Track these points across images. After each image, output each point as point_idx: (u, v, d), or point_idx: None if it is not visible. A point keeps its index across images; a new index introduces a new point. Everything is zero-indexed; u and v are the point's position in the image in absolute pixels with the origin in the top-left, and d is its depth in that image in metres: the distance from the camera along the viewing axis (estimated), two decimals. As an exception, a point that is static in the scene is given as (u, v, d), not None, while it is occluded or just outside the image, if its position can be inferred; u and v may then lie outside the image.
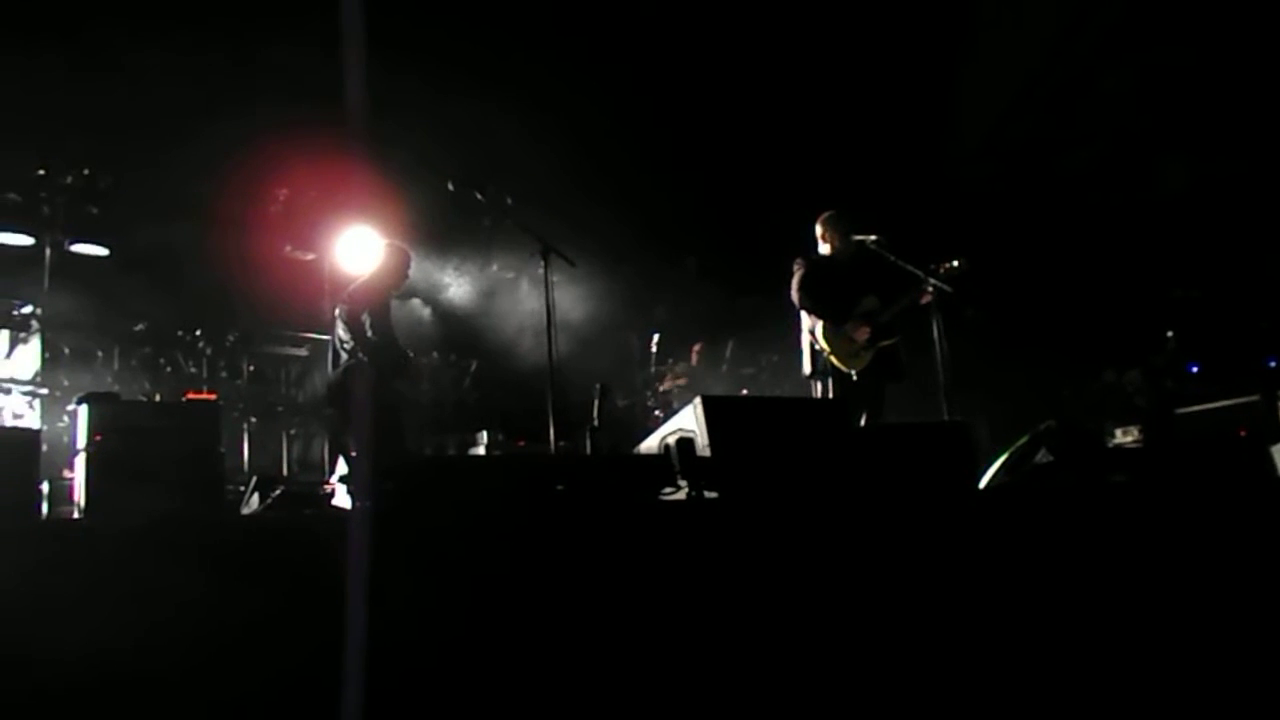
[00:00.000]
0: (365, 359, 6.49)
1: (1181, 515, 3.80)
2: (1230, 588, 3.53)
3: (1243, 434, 7.63)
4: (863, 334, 6.54)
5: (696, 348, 10.70)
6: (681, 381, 10.31)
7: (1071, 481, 4.34)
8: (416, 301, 10.35)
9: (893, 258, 6.60)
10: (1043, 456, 4.49)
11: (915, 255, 6.67)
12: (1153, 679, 3.25)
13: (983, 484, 4.51)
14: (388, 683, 2.53)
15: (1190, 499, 3.96)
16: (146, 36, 7.78)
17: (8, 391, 7.77)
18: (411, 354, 7.44)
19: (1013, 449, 4.71)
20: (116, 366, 8.55)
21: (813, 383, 6.76)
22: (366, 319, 6.65)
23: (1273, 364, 8.68)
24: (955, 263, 6.58)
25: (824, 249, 6.86)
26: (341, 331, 6.70)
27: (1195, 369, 8.73)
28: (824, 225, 6.86)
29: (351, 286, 7.07)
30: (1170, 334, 8.83)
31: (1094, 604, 3.36)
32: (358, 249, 8.60)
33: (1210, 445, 7.05)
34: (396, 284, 7.17)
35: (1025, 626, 3.28)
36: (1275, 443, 5.60)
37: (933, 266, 6.62)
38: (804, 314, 6.73)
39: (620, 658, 2.87)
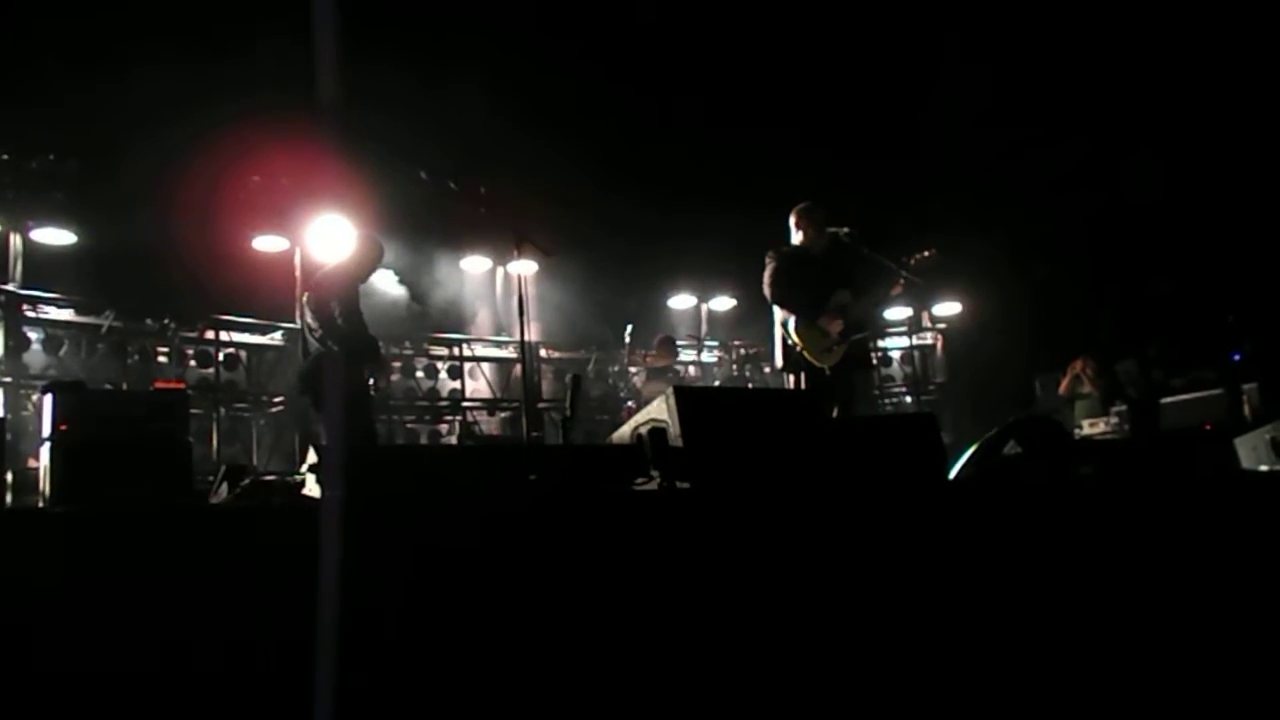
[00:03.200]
0: (335, 347, 6.43)
1: (1147, 507, 3.85)
2: (1195, 579, 3.58)
3: (1207, 427, 7.74)
4: (836, 327, 6.55)
5: (658, 339, 10.70)
6: (659, 365, 10.33)
7: (1039, 473, 4.39)
8: (390, 290, 10.29)
9: (866, 250, 6.63)
10: (1011, 448, 4.53)
11: (888, 246, 6.72)
12: (1121, 670, 3.29)
13: (951, 475, 4.54)
14: (359, 673, 2.52)
15: (1156, 491, 4.01)
16: (116, 22, 7.67)
17: (-28, 380, 7.69)
18: (380, 344, 7.38)
19: (981, 440, 4.75)
20: (83, 355, 8.47)
21: (785, 376, 6.77)
22: (336, 306, 6.58)
23: (1237, 358, 8.79)
24: (927, 253, 6.63)
25: (797, 240, 6.85)
26: (310, 319, 6.64)
27: (1239, 356, 8.75)
28: (798, 216, 6.84)
29: (319, 274, 7.02)
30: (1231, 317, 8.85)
31: (1061, 595, 3.40)
32: (329, 237, 8.55)
33: (1176, 438, 7.15)
34: (367, 272, 7.09)
35: (993, 617, 3.31)
36: (1239, 435, 5.69)
37: (905, 258, 6.66)
38: (776, 307, 6.72)
39: (591, 647, 2.87)
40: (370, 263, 7.01)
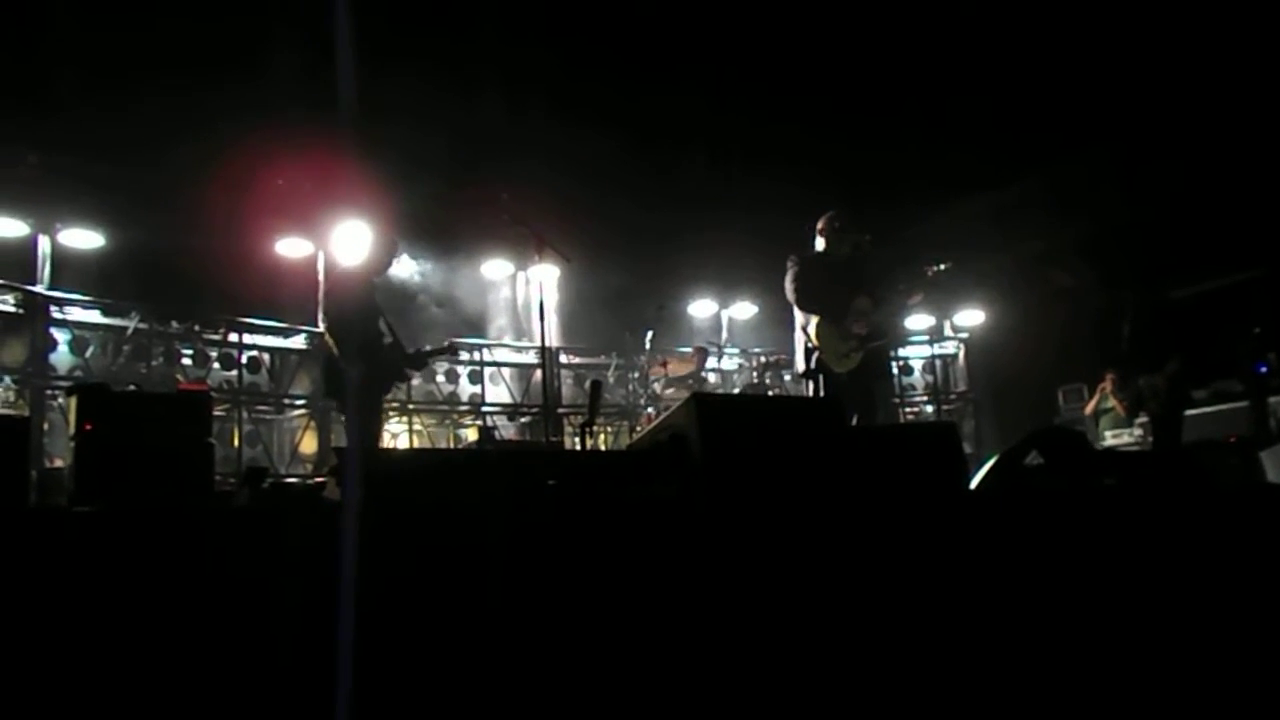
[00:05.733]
0: (351, 350, 6.35)
1: (1171, 519, 3.81)
2: (1220, 592, 3.55)
3: (1232, 439, 7.67)
4: (859, 329, 6.57)
5: (691, 349, 10.72)
6: (679, 372, 10.34)
7: (1061, 484, 4.35)
8: (418, 296, 10.34)
9: (885, 258, 6.66)
10: (1033, 459, 4.50)
11: (908, 255, 6.74)
12: (1144, 681, 3.26)
13: (972, 486, 4.52)
14: (378, 674, 2.53)
15: (1180, 503, 3.98)
16: (143, 29, 7.75)
17: (-1, 380, 7.78)
18: (417, 348, 7.36)
19: (1003, 451, 4.72)
20: (109, 356, 8.55)
21: (805, 382, 6.77)
22: (353, 308, 6.49)
23: (1263, 370, 8.70)
24: (943, 265, 6.70)
25: (820, 246, 6.86)
26: (326, 322, 6.65)
27: (1264, 368, 8.69)
28: (826, 223, 6.85)
29: (333, 276, 7.02)
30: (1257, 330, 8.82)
31: (1083, 606, 3.38)
32: (353, 241, 8.59)
33: (1201, 449, 7.09)
34: (382, 268, 7.03)
35: (1015, 627, 3.29)
36: (1264, 447, 5.64)
37: (923, 268, 6.71)
38: (798, 311, 6.73)
39: (609, 653, 2.87)
40: (384, 258, 6.94)
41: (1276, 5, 7.79)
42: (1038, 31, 8.55)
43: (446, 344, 8.04)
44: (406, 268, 10.17)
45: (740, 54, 9.17)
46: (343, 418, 7.21)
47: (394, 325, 7.02)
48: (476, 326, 10.94)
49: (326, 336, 6.68)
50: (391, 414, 9.60)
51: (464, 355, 10.70)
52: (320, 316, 6.73)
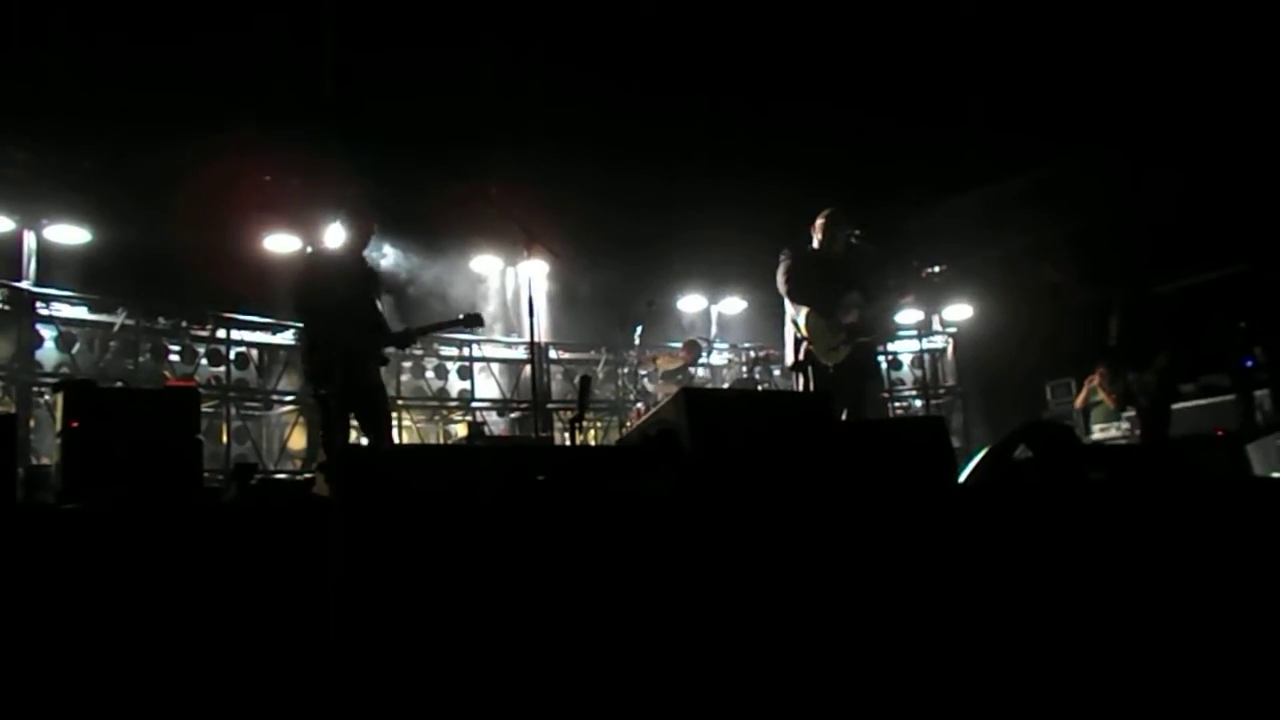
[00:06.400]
0: (325, 339, 5.97)
1: (1158, 512, 3.83)
2: (1207, 585, 3.57)
3: (1219, 433, 7.71)
4: (851, 319, 6.58)
5: (684, 342, 10.73)
6: (669, 367, 10.35)
7: (1050, 478, 4.37)
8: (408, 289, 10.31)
9: (878, 254, 6.67)
10: (1021, 453, 4.51)
11: (900, 251, 6.75)
12: (1130, 674, 3.28)
13: (961, 479, 4.53)
14: (365, 670, 2.53)
15: (1167, 496, 3.99)
16: (130, 23, 7.72)
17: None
18: (406, 327, 7.13)
19: (992, 445, 4.74)
20: (96, 352, 8.50)
21: (794, 376, 6.78)
22: (337, 294, 6.09)
23: (1249, 364, 8.75)
24: (937, 269, 6.72)
25: (815, 243, 6.86)
26: (297, 312, 6.47)
27: (1250, 362, 8.74)
28: (824, 220, 6.84)
29: (304, 263, 6.85)
30: (1243, 323, 8.85)
31: (1071, 599, 3.39)
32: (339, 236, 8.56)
33: (1188, 443, 7.12)
34: (359, 248, 6.57)
35: (1003, 621, 3.30)
36: (1250, 441, 5.67)
37: (915, 264, 6.72)
38: (789, 303, 6.73)
39: (598, 648, 2.87)
40: (359, 237, 6.54)
41: (1263, 4, 7.83)
42: (1026, 30, 8.58)
43: (462, 316, 7.05)
44: (395, 262, 10.14)
45: (732, 52, 9.18)
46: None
47: (385, 309, 6.74)
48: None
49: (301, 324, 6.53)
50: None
51: (453, 350, 10.68)
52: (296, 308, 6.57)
